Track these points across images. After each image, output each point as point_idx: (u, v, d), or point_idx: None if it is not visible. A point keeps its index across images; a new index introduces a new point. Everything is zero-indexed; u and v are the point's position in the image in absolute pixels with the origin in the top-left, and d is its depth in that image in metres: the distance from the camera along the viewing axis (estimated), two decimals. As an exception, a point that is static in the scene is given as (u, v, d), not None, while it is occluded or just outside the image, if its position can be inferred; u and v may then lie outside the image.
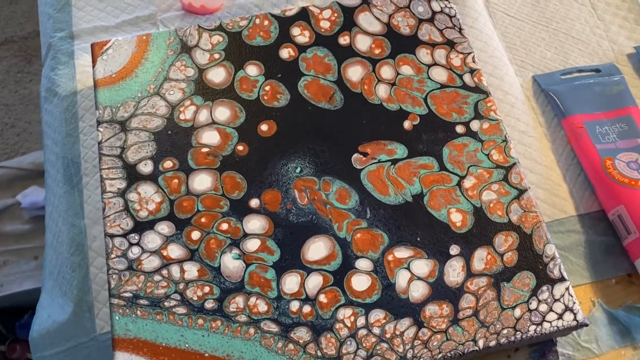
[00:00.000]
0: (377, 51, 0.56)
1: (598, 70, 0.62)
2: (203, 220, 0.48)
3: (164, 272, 0.47)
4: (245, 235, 0.48)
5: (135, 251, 0.47)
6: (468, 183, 0.50)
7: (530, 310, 0.46)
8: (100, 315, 0.52)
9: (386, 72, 0.55)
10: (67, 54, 0.63)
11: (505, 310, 0.46)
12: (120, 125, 0.52)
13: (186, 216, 0.48)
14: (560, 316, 0.46)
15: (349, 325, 0.45)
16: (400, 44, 0.56)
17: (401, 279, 0.47)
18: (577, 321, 0.46)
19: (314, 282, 0.46)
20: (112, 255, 0.47)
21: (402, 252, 0.48)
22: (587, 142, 0.57)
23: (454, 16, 0.57)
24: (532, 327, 0.45)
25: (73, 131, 0.59)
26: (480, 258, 0.47)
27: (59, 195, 0.57)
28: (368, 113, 0.53)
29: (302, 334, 0.45)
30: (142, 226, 0.48)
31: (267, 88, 0.54)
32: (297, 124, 0.52)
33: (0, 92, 1.32)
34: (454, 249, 0.48)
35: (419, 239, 0.48)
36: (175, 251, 0.47)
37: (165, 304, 0.46)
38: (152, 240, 0.48)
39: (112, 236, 0.48)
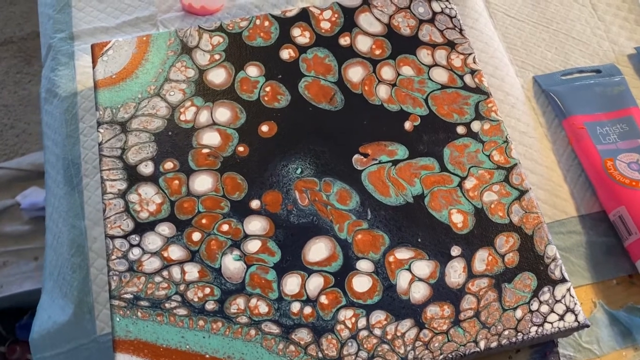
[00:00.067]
0: (377, 52, 0.55)
1: (599, 71, 0.62)
2: (204, 221, 0.48)
3: (165, 273, 0.47)
4: (246, 236, 0.48)
5: (135, 252, 0.47)
6: (469, 184, 0.50)
7: (531, 311, 0.46)
8: (101, 316, 0.52)
9: (387, 72, 0.55)
10: (67, 55, 0.63)
11: (507, 311, 0.46)
12: (120, 126, 0.52)
13: (187, 217, 0.48)
14: (561, 317, 0.46)
15: (350, 326, 0.45)
16: (401, 45, 0.56)
17: (402, 280, 0.47)
18: (579, 322, 0.46)
19: (315, 283, 0.46)
20: (113, 257, 0.47)
21: (403, 253, 0.47)
22: (587, 143, 0.57)
23: (455, 17, 0.57)
24: (534, 328, 0.45)
25: (73, 132, 0.59)
26: (482, 259, 0.47)
27: (59, 196, 0.57)
28: (369, 114, 0.53)
29: (303, 335, 0.45)
30: (142, 227, 0.48)
31: (267, 89, 0.54)
32: (297, 124, 0.52)
33: (0, 92, 1.32)
34: (455, 250, 0.48)
35: (419, 240, 0.48)
36: (175, 252, 0.47)
37: (166, 305, 0.45)
38: (152, 241, 0.48)
39: (112, 237, 0.48)
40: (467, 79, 0.54)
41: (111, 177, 0.50)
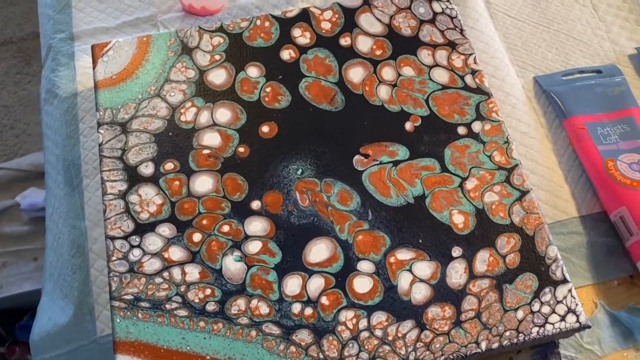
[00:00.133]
0: (378, 52, 0.55)
1: (599, 71, 0.62)
2: (204, 222, 0.48)
3: (165, 274, 0.46)
4: (247, 237, 0.48)
5: (136, 253, 0.47)
6: (470, 184, 0.50)
7: (532, 312, 0.46)
8: (101, 317, 0.52)
9: (387, 73, 0.54)
10: (67, 56, 0.63)
11: (508, 312, 0.46)
12: (120, 127, 0.52)
13: (187, 218, 0.48)
14: (562, 318, 0.46)
15: (351, 327, 0.45)
16: (402, 45, 0.56)
17: (403, 281, 0.46)
18: (580, 323, 0.45)
19: (316, 284, 0.46)
20: (113, 258, 0.47)
21: (404, 254, 0.47)
22: (588, 144, 0.57)
23: (455, 17, 0.57)
24: (535, 329, 0.45)
25: (73, 133, 0.59)
26: (483, 260, 0.47)
27: (60, 197, 0.57)
28: (369, 114, 0.53)
29: (304, 336, 0.45)
30: (143, 228, 0.48)
31: (268, 89, 0.54)
32: (298, 125, 0.52)
33: (0, 93, 1.32)
34: (456, 251, 0.48)
35: (420, 241, 0.48)
36: (176, 253, 0.47)
37: (167, 306, 0.45)
38: (153, 242, 0.47)
39: (112, 238, 0.47)
40: (468, 79, 0.54)
41: (111, 178, 0.50)
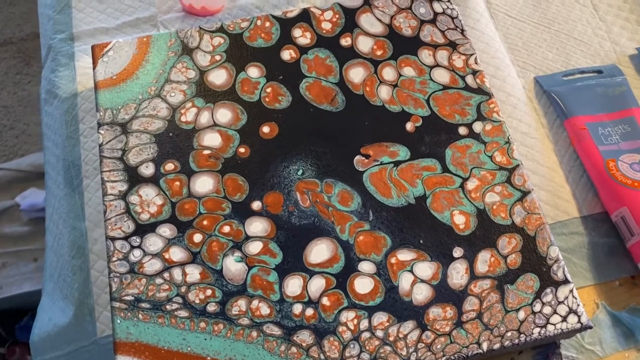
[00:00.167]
0: (379, 52, 0.55)
1: (600, 72, 0.62)
2: (205, 222, 0.48)
3: (166, 275, 0.46)
4: (248, 237, 0.48)
5: (136, 254, 0.47)
6: (471, 185, 0.50)
7: (534, 313, 0.46)
8: (101, 318, 0.51)
9: (388, 73, 0.54)
10: (67, 56, 0.63)
11: (509, 312, 0.46)
12: (121, 128, 0.51)
13: (188, 219, 0.48)
14: (564, 319, 0.45)
15: (352, 328, 0.45)
16: (402, 45, 0.56)
17: (404, 281, 0.46)
18: (582, 323, 0.45)
19: (317, 284, 0.46)
20: (114, 258, 0.47)
21: (405, 255, 0.47)
22: (589, 144, 0.57)
23: (456, 17, 0.57)
24: (536, 330, 0.45)
25: (73, 133, 0.59)
26: (484, 260, 0.47)
27: (60, 197, 0.57)
28: (370, 115, 0.53)
29: (305, 337, 0.45)
30: (143, 229, 0.48)
31: (268, 90, 0.53)
32: (298, 125, 0.52)
33: (-1, 93, 1.32)
34: (457, 252, 0.47)
35: (422, 242, 0.48)
36: (177, 254, 0.47)
37: (167, 307, 0.45)
38: (153, 243, 0.47)
39: (113, 239, 0.47)
40: (469, 79, 0.54)
41: (112, 179, 0.49)
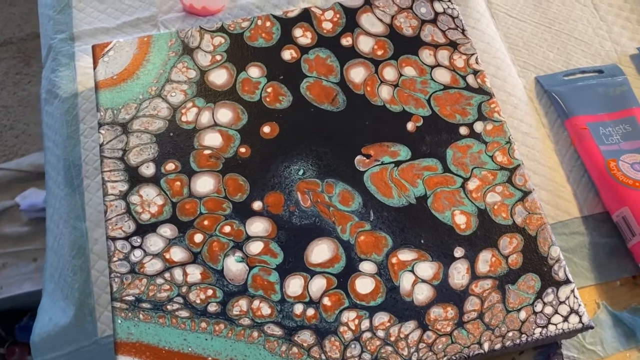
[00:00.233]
0: (379, 52, 0.55)
1: (601, 71, 0.62)
2: (206, 222, 0.48)
3: (167, 275, 0.46)
4: (248, 237, 0.48)
5: (137, 254, 0.47)
6: (472, 185, 0.50)
7: (535, 313, 0.45)
8: (102, 318, 0.51)
9: (389, 73, 0.54)
10: (67, 56, 0.63)
11: (511, 312, 0.45)
12: (121, 127, 0.51)
13: (189, 219, 0.48)
14: (565, 319, 0.45)
15: (353, 328, 0.45)
16: (403, 45, 0.56)
17: (405, 281, 0.46)
18: (583, 324, 0.45)
19: (318, 285, 0.46)
20: (114, 258, 0.47)
21: (406, 255, 0.47)
22: (590, 144, 0.57)
23: (457, 17, 0.57)
24: (538, 330, 0.45)
25: (74, 133, 0.59)
26: (485, 260, 0.47)
27: (60, 197, 0.57)
28: (371, 115, 0.53)
29: (306, 337, 0.44)
30: (144, 229, 0.48)
31: (269, 90, 0.53)
32: (299, 125, 0.52)
33: (-1, 93, 1.32)
34: (459, 252, 0.47)
35: (423, 242, 0.48)
36: (177, 254, 0.47)
37: (168, 307, 0.45)
38: (154, 243, 0.47)
39: (114, 239, 0.47)
40: (470, 79, 0.54)
41: (112, 179, 0.49)
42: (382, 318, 0.45)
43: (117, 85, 0.53)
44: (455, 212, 0.49)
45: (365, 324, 0.45)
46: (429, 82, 0.54)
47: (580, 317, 0.46)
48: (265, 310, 0.45)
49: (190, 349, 0.44)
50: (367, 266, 0.47)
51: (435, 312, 0.45)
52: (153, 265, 0.46)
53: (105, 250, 0.53)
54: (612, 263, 0.54)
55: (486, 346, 0.44)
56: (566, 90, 0.60)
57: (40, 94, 0.63)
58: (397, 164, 0.51)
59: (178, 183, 0.49)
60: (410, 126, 0.52)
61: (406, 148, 0.51)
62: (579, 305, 0.46)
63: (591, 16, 0.66)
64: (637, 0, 0.67)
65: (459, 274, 0.47)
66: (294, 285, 0.46)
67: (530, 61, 0.64)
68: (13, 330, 0.98)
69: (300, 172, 0.50)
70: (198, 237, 0.47)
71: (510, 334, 0.45)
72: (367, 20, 0.57)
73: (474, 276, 0.47)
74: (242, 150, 0.51)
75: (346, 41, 0.56)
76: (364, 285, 0.46)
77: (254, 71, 0.54)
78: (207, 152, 0.51)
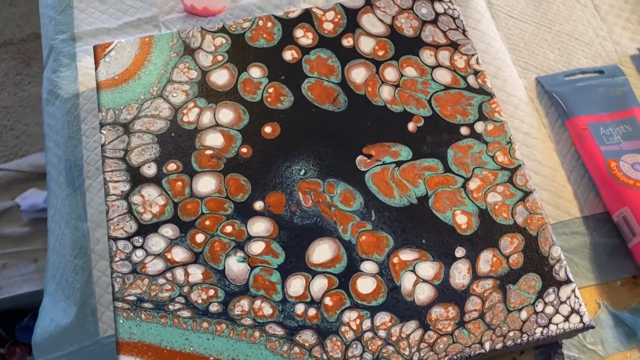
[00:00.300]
0: (380, 53, 0.55)
1: (601, 72, 0.62)
2: (207, 222, 0.48)
3: (168, 275, 0.46)
4: (250, 237, 0.48)
5: (139, 254, 0.47)
6: (473, 185, 0.50)
7: (536, 313, 0.46)
8: (104, 318, 0.51)
9: (390, 73, 0.54)
10: (69, 56, 0.63)
11: (512, 312, 0.46)
12: (123, 128, 0.51)
13: (190, 219, 0.48)
14: (566, 318, 0.46)
15: (355, 328, 0.45)
16: (404, 46, 0.56)
17: (407, 281, 0.46)
18: (584, 323, 0.45)
19: (319, 284, 0.46)
20: (116, 259, 0.47)
21: (407, 255, 0.47)
22: (591, 144, 0.57)
23: (458, 18, 0.57)
24: (539, 330, 0.45)
25: (75, 133, 0.59)
26: (486, 260, 0.47)
27: (62, 197, 0.57)
28: (372, 115, 0.53)
29: (307, 337, 0.45)
30: (146, 229, 0.48)
31: (270, 90, 0.54)
32: (300, 126, 0.52)
33: None
34: (460, 251, 0.47)
35: (424, 242, 0.48)
36: (179, 254, 0.47)
37: (170, 307, 0.45)
38: (156, 243, 0.47)
39: (115, 239, 0.47)
40: (471, 79, 0.54)
41: (114, 179, 0.49)
42: (383, 318, 0.45)
43: (119, 86, 0.53)
44: (456, 212, 0.49)
45: (367, 323, 0.45)
46: (429, 83, 0.54)
47: (581, 316, 0.46)
48: (267, 310, 0.45)
49: (192, 349, 0.44)
50: (368, 266, 0.47)
51: (437, 312, 0.45)
52: (155, 265, 0.47)
53: (107, 250, 0.53)
54: (612, 263, 0.54)
55: (487, 346, 0.45)
56: (567, 90, 0.60)
57: (41, 94, 0.64)
58: (398, 164, 0.51)
59: (179, 183, 0.49)
60: (411, 126, 0.52)
61: (407, 148, 0.51)
62: (580, 305, 0.46)
63: (592, 17, 0.66)
64: (637, 1, 0.67)
65: (460, 274, 0.47)
66: (296, 285, 0.46)
67: (530, 61, 0.64)
68: (13, 331, 0.98)
69: (302, 172, 0.50)
70: (199, 237, 0.48)
71: (511, 333, 0.45)
72: (368, 21, 0.57)
73: (475, 276, 0.47)
74: (244, 150, 0.51)
75: (347, 42, 0.56)
76: (365, 285, 0.46)
77: (255, 71, 0.54)
78: (208, 152, 0.51)
